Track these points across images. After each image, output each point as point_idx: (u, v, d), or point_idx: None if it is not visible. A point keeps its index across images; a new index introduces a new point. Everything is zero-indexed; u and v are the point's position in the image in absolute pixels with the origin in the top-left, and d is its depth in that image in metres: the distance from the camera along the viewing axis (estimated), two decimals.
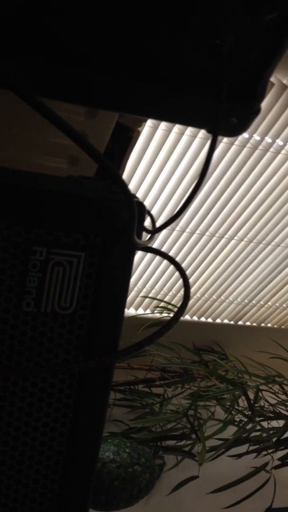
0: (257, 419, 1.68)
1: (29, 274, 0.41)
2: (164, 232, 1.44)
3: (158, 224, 0.49)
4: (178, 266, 0.47)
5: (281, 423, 1.99)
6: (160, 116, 0.37)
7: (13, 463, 0.44)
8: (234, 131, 0.39)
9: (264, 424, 1.95)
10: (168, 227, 1.39)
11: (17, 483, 0.44)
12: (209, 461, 1.70)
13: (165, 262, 1.58)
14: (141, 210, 0.41)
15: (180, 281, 1.67)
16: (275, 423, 2.01)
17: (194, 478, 1.58)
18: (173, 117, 0.38)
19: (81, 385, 0.45)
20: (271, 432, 1.64)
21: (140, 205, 0.41)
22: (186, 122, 0.39)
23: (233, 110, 0.39)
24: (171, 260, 0.47)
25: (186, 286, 0.47)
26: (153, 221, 0.50)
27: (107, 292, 0.43)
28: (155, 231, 0.45)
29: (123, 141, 0.79)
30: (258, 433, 1.70)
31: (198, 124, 0.39)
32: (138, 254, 1.51)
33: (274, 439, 1.67)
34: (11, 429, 0.43)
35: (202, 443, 1.49)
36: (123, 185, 0.36)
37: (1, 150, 0.76)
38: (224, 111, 0.37)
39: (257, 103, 0.39)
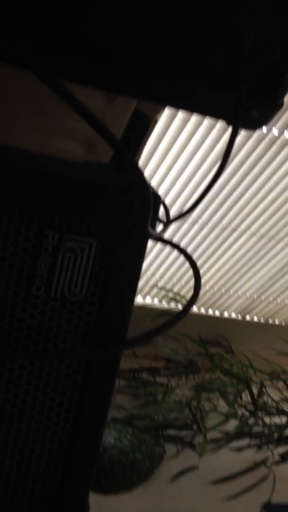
0: (260, 414, 1.68)
1: (40, 258, 0.41)
2: (176, 224, 1.44)
3: (172, 215, 0.49)
4: (189, 258, 0.46)
5: (283, 419, 1.99)
6: (180, 106, 0.37)
7: (17, 445, 0.44)
8: (254, 124, 0.39)
9: (267, 420, 1.95)
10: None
11: (19, 464, 0.45)
12: (209, 453, 1.70)
13: (176, 252, 1.58)
14: (156, 201, 0.41)
15: (190, 272, 1.67)
16: (277, 420, 2.01)
17: (194, 469, 1.59)
18: (193, 107, 0.37)
19: (88, 372, 0.45)
20: (273, 428, 1.64)
21: (155, 195, 0.41)
22: (206, 112, 0.38)
23: (255, 103, 0.38)
24: (183, 252, 0.47)
25: (197, 278, 0.47)
26: (167, 212, 0.49)
27: (118, 281, 0.43)
28: (169, 222, 0.44)
29: (140, 128, 0.78)
30: (259, 428, 1.71)
31: (218, 115, 0.38)
32: (149, 243, 1.51)
33: (275, 435, 1.67)
34: (16, 411, 0.43)
35: (203, 434, 1.50)
36: (140, 174, 0.36)
37: (18, 133, 0.76)
38: (245, 104, 0.36)
39: (280, 98, 0.38)
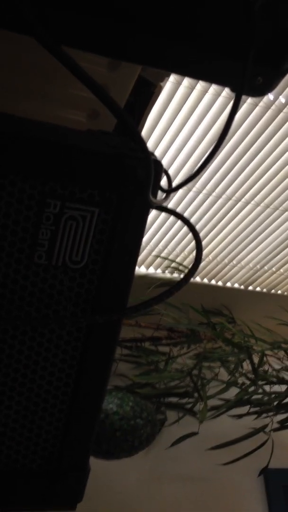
0: (260, 382, 1.71)
1: (42, 226, 0.41)
2: (180, 192, 1.43)
3: (174, 183, 0.49)
4: (192, 228, 0.46)
5: (283, 388, 2.02)
6: (185, 72, 0.36)
7: (19, 409, 0.45)
8: (259, 91, 0.38)
9: (267, 388, 1.98)
10: (185, 187, 1.37)
11: (22, 427, 0.46)
12: (210, 419, 1.74)
13: (179, 222, 1.58)
14: (158, 169, 0.40)
15: (193, 242, 1.67)
16: (277, 388, 2.04)
17: (194, 435, 1.63)
18: (197, 74, 0.37)
19: (88, 339, 0.45)
20: (273, 396, 1.67)
21: (157, 163, 0.40)
22: (211, 79, 0.37)
23: (260, 70, 0.37)
24: (185, 221, 0.47)
25: (199, 248, 0.47)
26: (170, 181, 0.49)
27: (119, 249, 0.43)
28: (171, 190, 0.44)
29: (145, 95, 0.77)
30: (260, 396, 1.74)
31: (223, 82, 0.38)
32: (153, 212, 1.50)
33: (275, 403, 1.70)
34: (18, 376, 0.44)
35: (204, 402, 1.53)
36: (141, 142, 0.36)
37: (20, 101, 0.75)
38: (250, 71, 0.35)
39: (285, 64, 0.37)
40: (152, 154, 0.40)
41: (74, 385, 0.46)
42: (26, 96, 0.72)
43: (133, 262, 0.44)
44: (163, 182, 0.48)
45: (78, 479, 0.48)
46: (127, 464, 1.68)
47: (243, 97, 1.01)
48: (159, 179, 0.41)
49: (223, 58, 0.35)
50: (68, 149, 0.39)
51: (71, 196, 0.41)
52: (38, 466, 0.48)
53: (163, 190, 0.44)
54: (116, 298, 0.44)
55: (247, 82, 0.36)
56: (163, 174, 0.46)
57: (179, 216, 0.47)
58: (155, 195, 0.41)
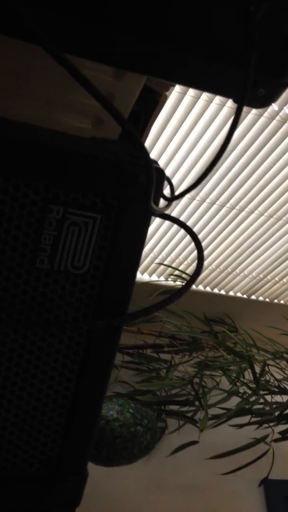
0: (262, 392, 1.70)
1: (44, 232, 0.41)
2: (184, 200, 1.44)
3: (177, 192, 0.49)
4: (193, 236, 0.47)
5: (285, 398, 2.01)
6: (187, 82, 0.37)
7: (18, 412, 0.45)
8: (261, 102, 0.39)
9: (268, 398, 1.97)
10: (188, 196, 1.38)
11: (20, 431, 0.46)
12: (210, 428, 1.73)
13: (182, 230, 1.58)
14: (160, 177, 0.41)
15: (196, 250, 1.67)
16: (279, 398, 2.03)
17: (194, 443, 1.62)
18: (200, 84, 0.37)
19: (89, 344, 0.46)
20: (274, 406, 1.66)
21: (159, 171, 0.41)
22: (214, 90, 0.38)
23: (262, 81, 0.38)
24: (187, 229, 0.47)
25: (200, 257, 0.47)
26: (172, 189, 0.50)
27: (121, 256, 0.44)
28: (172, 198, 0.45)
29: (150, 104, 0.78)
30: (261, 406, 1.73)
31: (225, 93, 0.38)
32: (156, 220, 1.51)
33: (276, 413, 1.69)
34: (18, 379, 0.44)
35: (205, 410, 1.52)
36: (143, 150, 0.36)
37: (26, 107, 0.76)
38: (252, 81, 0.36)
39: (286, 75, 0.38)
40: (154, 162, 0.41)
41: (74, 390, 0.47)
42: (30, 102, 0.73)
43: (134, 269, 0.45)
44: (166, 190, 0.48)
45: (77, 483, 0.49)
46: (127, 472, 1.68)
47: (248, 107, 1.02)
48: (161, 187, 0.41)
49: (225, 68, 0.36)
50: (71, 155, 0.40)
51: (74, 202, 0.41)
52: (37, 469, 0.48)
53: (165, 198, 0.45)
54: (117, 304, 0.45)
55: (249, 92, 0.36)
56: (166, 182, 0.46)
57: (181, 224, 0.48)
58: (157, 203, 0.42)
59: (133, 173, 0.40)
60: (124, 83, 0.70)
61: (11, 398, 0.45)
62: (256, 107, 0.39)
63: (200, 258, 0.48)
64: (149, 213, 0.41)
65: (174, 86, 0.73)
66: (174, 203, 1.43)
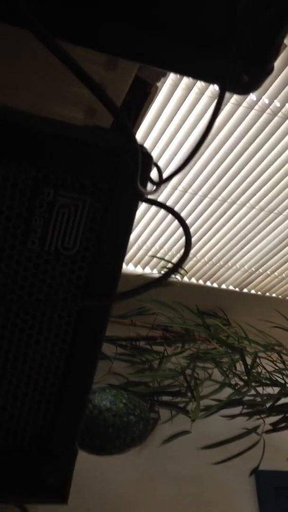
0: (253, 384, 1.72)
1: (35, 213, 0.43)
2: (176, 194, 1.45)
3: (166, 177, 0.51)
4: (180, 219, 0.48)
5: (276, 390, 2.03)
6: (172, 68, 0.38)
7: (10, 388, 0.47)
8: (244, 89, 0.40)
9: (260, 390, 2.00)
10: (180, 189, 1.39)
11: (13, 407, 0.48)
12: (202, 418, 1.75)
13: (176, 224, 1.60)
14: (147, 161, 0.42)
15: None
16: (270, 390, 2.06)
17: (186, 433, 1.64)
18: (185, 71, 0.39)
19: (79, 323, 0.47)
20: (265, 398, 1.68)
21: (147, 155, 0.42)
22: (199, 76, 0.39)
23: (245, 68, 0.39)
24: (175, 214, 0.49)
25: (188, 240, 0.49)
26: (160, 174, 0.51)
27: (109, 237, 0.45)
28: (160, 182, 0.46)
29: (141, 95, 0.79)
30: (252, 397, 1.75)
31: (210, 79, 0.40)
32: (149, 213, 1.52)
33: (268, 405, 1.71)
34: (10, 357, 0.46)
35: (197, 401, 1.54)
36: (131, 134, 0.38)
37: (17, 97, 0.77)
38: (235, 68, 0.38)
39: (270, 63, 0.39)
40: (142, 146, 0.42)
41: (64, 368, 0.48)
42: (23, 92, 0.74)
43: (122, 251, 0.46)
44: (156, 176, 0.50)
45: (67, 458, 0.50)
46: (120, 462, 1.69)
47: (240, 101, 1.03)
48: (149, 171, 0.43)
49: (210, 55, 0.37)
50: (62, 139, 0.41)
51: (64, 185, 0.43)
52: (29, 445, 0.49)
53: (153, 182, 0.46)
54: (106, 285, 0.46)
55: (232, 78, 0.38)
56: (154, 167, 0.48)
57: (168, 209, 0.49)
58: (144, 186, 0.43)
59: (121, 157, 0.41)
60: (116, 73, 0.71)
61: (4, 375, 0.46)
62: (239, 93, 0.40)
63: (188, 243, 0.49)
64: (137, 196, 0.43)
65: (165, 76, 0.74)
66: (167, 195, 1.44)
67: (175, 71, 0.38)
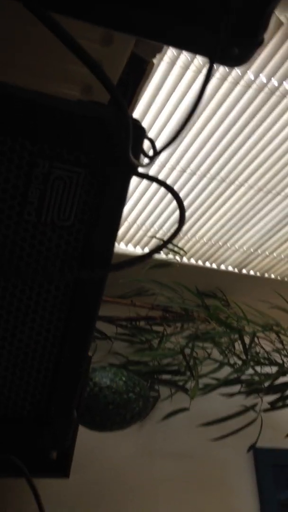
0: (252, 363, 1.75)
1: (31, 185, 0.44)
2: (174, 174, 1.45)
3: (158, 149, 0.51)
4: (174, 194, 0.49)
5: (274, 370, 2.06)
6: (164, 40, 0.39)
7: (9, 357, 0.48)
8: (235, 61, 0.41)
9: (258, 369, 2.02)
10: (179, 169, 1.40)
11: (12, 375, 0.49)
12: (201, 396, 1.78)
13: (175, 204, 1.60)
14: (139, 133, 0.43)
15: (188, 224, 1.70)
16: (269, 370, 2.08)
17: (185, 410, 1.67)
18: (176, 42, 0.39)
19: (75, 294, 0.48)
20: (263, 377, 1.71)
21: (140, 128, 0.43)
22: (189, 48, 0.40)
23: (236, 40, 0.40)
24: (168, 188, 0.49)
25: (182, 213, 0.50)
26: (154, 148, 0.52)
27: (104, 210, 0.46)
28: (154, 155, 0.47)
29: (138, 72, 0.79)
30: (250, 377, 1.78)
31: (200, 52, 0.40)
32: (148, 192, 1.53)
33: (266, 384, 1.74)
34: (9, 326, 0.47)
35: (195, 379, 1.57)
36: (123, 107, 0.39)
37: (13, 75, 0.77)
38: (225, 40, 0.38)
39: (260, 35, 0.40)
40: (134, 119, 0.43)
41: (61, 337, 0.50)
42: (19, 70, 0.75)
43: (116, 223, 0.47)
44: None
45: (65, 425, 0.52)
46: (121, 439, 1.73)
47: (236, 79, 1.02)
48: (141, 142, 0.44)
49: (202, 28, 0.38)
50: (56, 112, 0.42)
51: (59, 157, 0.44)
52: (28, 412, 0.51)
53: (146, 155, 0.47)
54: (101, 256, 0.48)
55: (222, 51, 0.39)
56: (147, 141, 0.49)
57: (161, 183, 0.50)
58: (137, 158, 0.44)
59: (113, 129, 0.42)
60: (112, 49, 0.72)
61: (3, 344, 0.48)
62: (230, 65, 0.41)
63: (182, 215, 0.50)
64: (130, 168, 0.44)
65: (160, 52, 0.74)
66: (165, 175, 1.45)
67: (166, 42, 0.39)
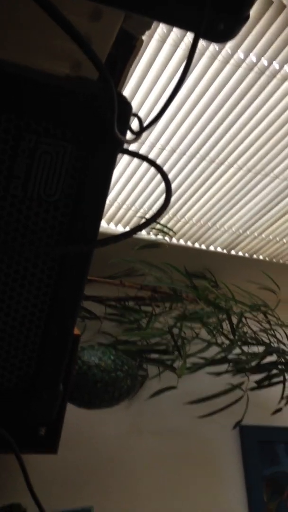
0: (239, 343, 1.77)
1: (18, 159, 0.44)
2: (164, 154, 1.45)
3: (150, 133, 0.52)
4: (161, 171, 0.50)
5: (261, 349, 2.09)
6: (148, 14, 0.39)
7: None
8: (221, 37, 0.41)
9: (246, 349, 2.05)
10: (168, 149, 1.40)
11: (0, 348, 0.50)
12: (189, 374, 1.81)
13: (163, 186, 1.60)
14: (125, 108, 0.44)
15: (177, 205, 1.70)
16: (256, 350, 2.11)
17: (172, 388, 1.70)
18: (162, 17, 0.39)
19: (61, 268, 0.49)
20: (250, 356, 1.73)
21: (126, 103, 0.44)
22: (175, 23, 0.40)
23: (221, 16, 0.40)
24: (152, 163, 0.50)
25: (168, 189, 0.50)
26: (141, 125, 0.52)
27: (91, 185, 0.46)
28: (140, 132, 0.47)
29: (127, 49, 0.79)
30: (237, 356, 1.80)
31: (186, 27, 0.40)
32: (137, 174, 1.53)
33: (253, 363, 1.77)
34: None
35: (183, 358, 1.59)
36: (108, 81, 0.39)
37: (2, 52, 0.77)
38: (211, 16, 0.38)
39: (245, 10, 0.40)
40: (120, 94, 0.43)
41: (48, 311, 0.50)
42: (6, 45, 0.74)
43: (103, 198, 0.48)
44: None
45: (51, 397, 0.53)
46: (110, 417, 1.75)
47: (226, 58, 1.02)
48: (127, 118, 0.44)
49: (185, 1, 0.38)
50: (42, 86, 0.42)
51: (46, 132, 0.44)
52: (15, 384, 0.52)
53: (133, 131, 0.48)
54: (87, 231, 0.48)
55: (208, 26, 0.39)
56: (134, 117, 0.49)
57: (146, 159, 0.50)
58: (124, 134, 0.44)
59: (100, 104, 0.42)
60: (100, 25, 0.71)
61: None
62: (216, 41, 0.41)
63: (168, 192, 0.51)
64: (116, 142, 0.44)
65: (149, 29, 0.74)
66: (155, 155, 1.45)
67: (154, 17, 0.39)
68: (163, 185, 1.56)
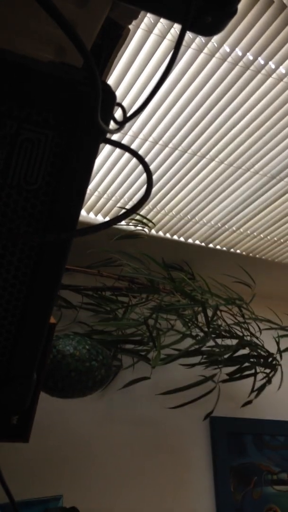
0: (213, 335, 1.79)
1: None
2: (146, 145, 1.45)
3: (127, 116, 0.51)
4: (143, 162, 0.50)
5: (234, 342, 2.12)
6: (136, 3, 0.39)
7: None
8: (208, 30, 0.41)
9: (219, 341, 2.07)
10: (151, 140, 1.39)
11: None
12: (162, 365, 1.82)
13: (145, 177, 1.60)
14: (109, 97, 0.43)
15: (158, 196, 1.70)
16: (229, 342, 2.14)
17: (146, 379, 1.71)
18: (150, 7, 0.39)
19: (39, 257, 0.49)
20: (223, 349, 1.75)
21: (110, 92, 0.43)
22: (163, 13, 0.40)
23: (209, 9, 0.40)
24: (136, 155, 0.50)
25: (149, 181, 0.50)
26: (125, 114, 0.52)
27: (71, 173, 0.46)
28: (123, 121, 0.47)
29: (113, 38, 0.78)
30: (211, 348, 1.82)
31: (173, 18, 0.40)
32: (119, 164, 1.52)
33: (225, 356, 1.79)
34: None
35: (157, 349, 1.60)
36: (92, 69, 0.38)
37: None
38: (198, 8, 0.38)
39: (233, 4, 0.40)
40: (104, 83, 0.43)
41: (24, 300, 0.50)
42: None
43: (83, 187, 0.47)
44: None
45: (25, 385, 0.53)
46: (83, 405, 1.76)
47: (212, 51, 1.02)
48: (111, 107, 0.43)
49: None
50: (24, 70, 0.41)
51: (27, 118, 0.43)
52: None
53: (116, 121, 0.47)
54: (66, 220, 0.48)
55: (195, 18, 0.39)
56: (118, 107, 0.48)
57: (129, 150, 0.50)
58: (107, 123, 0.44)
59: (83, 91, 0.42)
60: (87, 11, 0.70)
61: None
62: (203, 34, 0.41)
63: (149, 184, 0.50)
64: (98, 131, 0.44)
65: (136, 19, 0.73)
66: (137, 146, 1.44)
67: (141, 7, 0.39)
68: (144, 176, 1.56)
